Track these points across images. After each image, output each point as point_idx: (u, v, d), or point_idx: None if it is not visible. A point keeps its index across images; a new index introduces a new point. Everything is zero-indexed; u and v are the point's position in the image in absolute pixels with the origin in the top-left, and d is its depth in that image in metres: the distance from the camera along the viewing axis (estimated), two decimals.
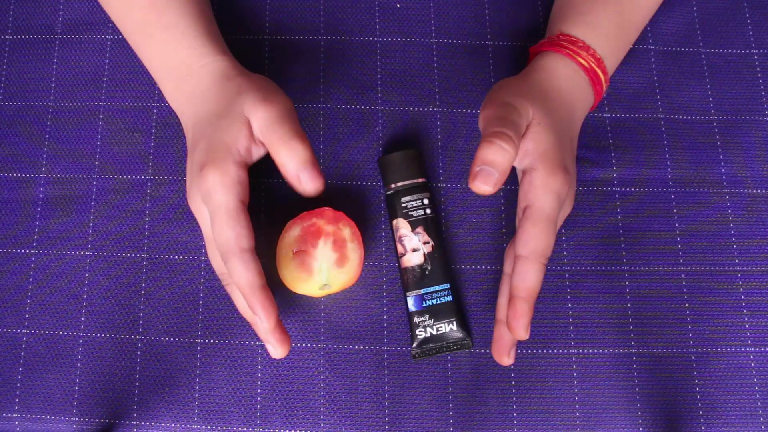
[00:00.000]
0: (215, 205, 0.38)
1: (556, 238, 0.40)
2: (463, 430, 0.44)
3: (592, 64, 0.43)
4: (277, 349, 0.39)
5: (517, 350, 0.44)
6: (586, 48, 0.43)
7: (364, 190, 0.48)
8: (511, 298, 0.38)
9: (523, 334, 0.38)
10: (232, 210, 0.37)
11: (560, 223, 0.41)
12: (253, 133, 0.39)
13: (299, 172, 0.39)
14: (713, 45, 0.51)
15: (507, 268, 0.42)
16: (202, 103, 0.41)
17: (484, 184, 0.36)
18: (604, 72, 0.43)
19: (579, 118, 0.44)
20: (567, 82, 0.42)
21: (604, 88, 0.44)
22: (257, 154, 0.40)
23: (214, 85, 0.41)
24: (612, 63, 0.45)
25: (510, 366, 0.44)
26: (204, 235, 0.41)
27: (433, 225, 0.45)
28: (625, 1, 0.45)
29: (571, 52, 0.42)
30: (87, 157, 0.48)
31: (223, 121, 0.39)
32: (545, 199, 0.38)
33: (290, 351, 0.45)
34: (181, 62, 0.42)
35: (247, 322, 0.45)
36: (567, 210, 0.42)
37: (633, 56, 0.50)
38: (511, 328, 0.38)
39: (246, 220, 0.38)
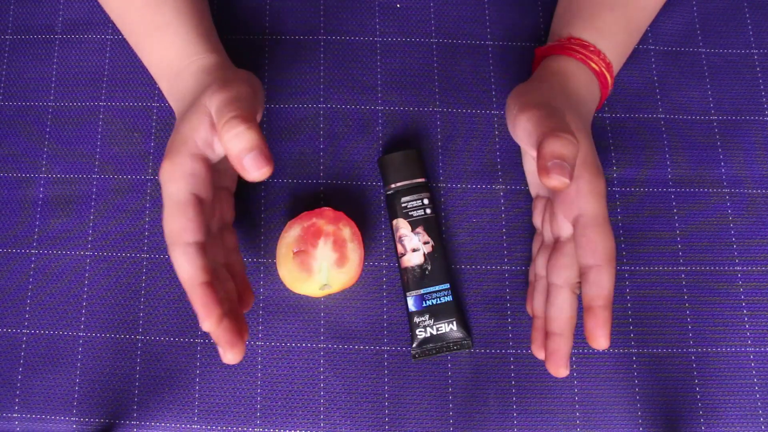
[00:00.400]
0: (165, 195, 0.36)
1: None
2: (463, 430, 0.44)
3: (603, 69, 0.43)
4: (225, 352, 0.36)
5: (518, 352, 0.45)
6: (597, 53, 0.43)
7: (364, 190, 0.48)
8: (589, 309, 0.37)
9: (604, 343, 0.36)
10: (180, 201, 0.36)
11: None
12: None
13: (242, 156, 0.35)
14: (713, 45, 0.51)
15: (541, 270, 0.42)
16: (183, 101, 0.41)
17: (562, 176, 0.34)
18: (612, 76, 0.43)
19: (591, 119, 0.44)
20: (583, 86, 0.42)
21: (609, 92, 0.44)
22: (221, 149, 0.38)
23: (195, 83, 0.41)
24: (617, 66, 0.45)
25: (510, 367, 0.44)
26: None
27: (433, 225, 0.45)
28: (631, 5, 0.45)
29: (584, 57, 0.42)
30: (87, 157, 0.48)
31: (188, 114, 0.38)
32: (597, 203, 0.37)
33: (290, 351, 0.45)
34: (171, 61, 0.42)
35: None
36: None
37: (633, 56, 0.50)
38: (594, 338, 0.36)
39: (194, 213, 0.36)
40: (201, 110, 0.38)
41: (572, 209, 0.38)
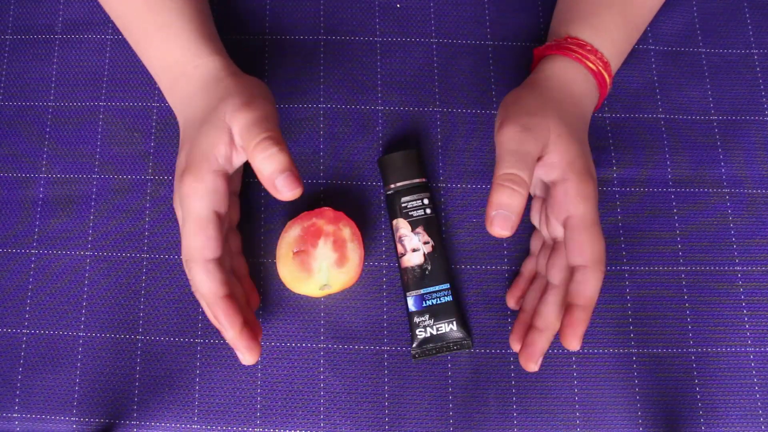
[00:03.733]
0: (186, 211, 0.38)
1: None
2: (463, 430, 0.44)
3: (600, 68, 0.43)
4: (244, 356, 0.39)
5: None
6: (594, 51, 0.43)
7: (364, 190, 0.48)
8: (568, 307, 0.38)
9: (576, 344, 0.37)
10: (202, 219, 0.37)
11: None
12: (234, 139, 0.39)
13: (274, 177, 0.37)
14: (713, 45, 0.51)
15: (542, 269, 0.43)
16: (191, 106, 0.41)
17: (503, 229, 0.36)
18: (610, 75, 0.43)
19: (588, 120, 0.44)
20: (578, 86, 0.42)
21: (608, 91, 0.44)
22: (239, 161, 0.39)
23: (203, 88, 0.41)
24: (616, 65, 0.45)
25: (511, 367, 0.44)
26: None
27: (433, 225, 0.45)
28: (629, 3, 0.45)
29: (580, 56, 0.42)
30: (87, 157, 0.48)
31: (205, 127, 0.39)
32: (585, 206, 0.38)
33: (290, 351, 0.45)
34: (175, 62, 0.42)
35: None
36: None
37: (633, 56, 0.50)
38: (565, 337, 0.37)
39: (215, 230, 0.37)
40: (219, 125, 0.38)
41: (561, 212, 0.39)
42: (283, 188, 0.37)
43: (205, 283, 0.37)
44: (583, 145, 0.41)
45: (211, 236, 0.37)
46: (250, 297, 0.43)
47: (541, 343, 0.40)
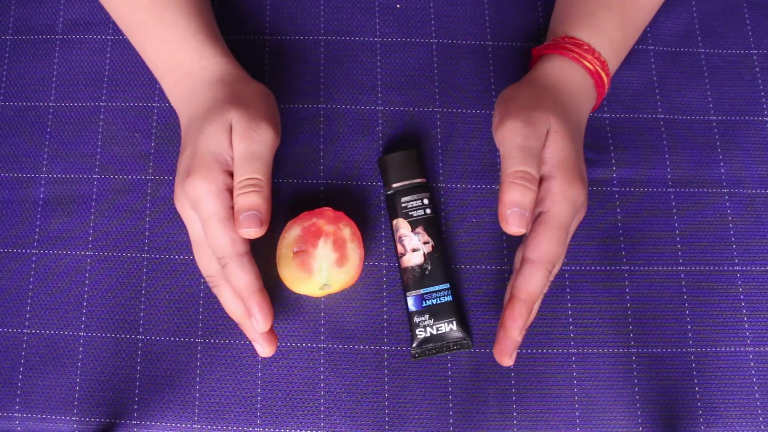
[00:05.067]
0: (206, 214, 0.38)
1: (567, 247, 0.40)
2: (463, 430, 0.44)
3: (597, 68, 0.43)
4: (265, 349, 0.40)
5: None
6: (592, 51, 0.43)
7: (364, 190, 0.48)
8: (510, 298, 0.38)
9: (516, 335, 0.38)
10: (224, 218, 0.38)
11: (574, 229, 0.41)
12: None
13: (240, 212, 0.38)
14: (713, 45, 0.51)
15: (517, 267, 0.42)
16: (195, 105, 0.41)
17: (519, 227, 0.37)
18: (608, 74, 0.44)
19: (585, 120, 0.44)
20: (575, 86, 0.42)
21: (606, 90, 0.44)
22: None
23: (209, 89, 0.41)
24: (614, 64, 0.45)
25: (510, 366, 0.44)
26: (191, 237, 0.41)
27: (433, 225, 0.45)
28: (628, 3, 0.45)
29: (577, 56, 0.42)
30: (87, 157, 0.48)
31: (210, 127, 0.39)
32: (562, 207, 0.38)
33: (290, 351, 0.45)
34: (180, 62, 0.42)
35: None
36: (581, 216, 0.42)
37: (633, 56, 0.50)
38: (506, 328, 0.38)
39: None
40: (227, 129, 0.39)
41: (539, 206, 0.39)
42: (243, 222, 0.37)
43: (242, 277, 0.38)
44: (577, 145, 0.40)
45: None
46: None
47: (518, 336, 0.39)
